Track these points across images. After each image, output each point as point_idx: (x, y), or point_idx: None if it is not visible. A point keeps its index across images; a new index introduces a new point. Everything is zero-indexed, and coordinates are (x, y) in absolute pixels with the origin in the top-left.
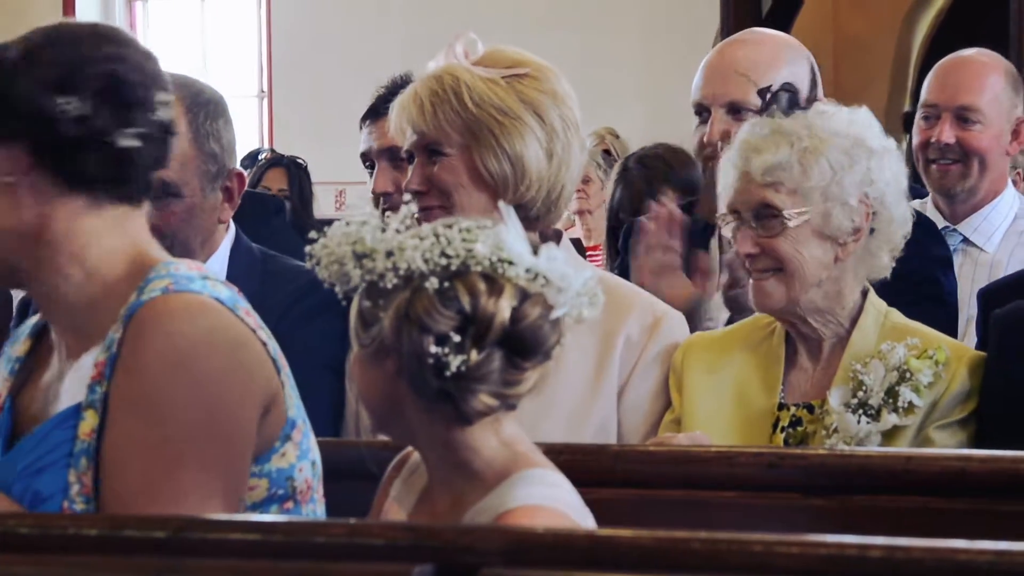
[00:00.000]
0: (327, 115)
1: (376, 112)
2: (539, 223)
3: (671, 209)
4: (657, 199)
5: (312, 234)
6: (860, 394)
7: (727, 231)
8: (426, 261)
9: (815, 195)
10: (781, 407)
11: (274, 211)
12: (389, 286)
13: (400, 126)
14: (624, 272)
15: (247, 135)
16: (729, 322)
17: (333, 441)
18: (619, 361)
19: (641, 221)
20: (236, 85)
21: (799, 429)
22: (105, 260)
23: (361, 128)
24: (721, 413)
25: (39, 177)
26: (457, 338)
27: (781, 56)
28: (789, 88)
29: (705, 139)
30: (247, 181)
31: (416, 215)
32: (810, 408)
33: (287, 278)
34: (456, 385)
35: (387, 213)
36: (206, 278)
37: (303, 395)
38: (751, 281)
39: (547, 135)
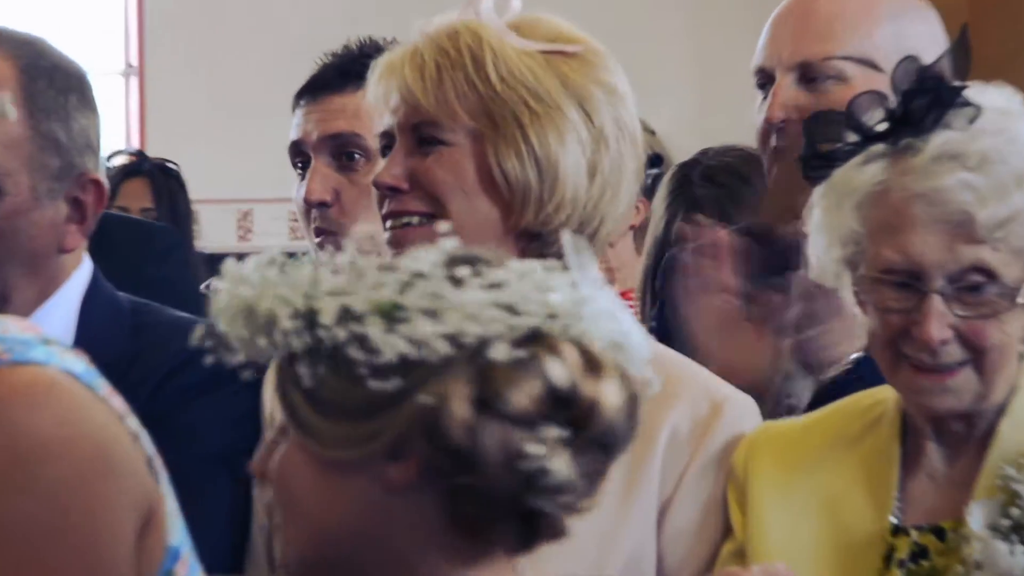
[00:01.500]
0: (225, 102)
1: (318, 86)
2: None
3: (717, 234)
4: (691, 220)
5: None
6: (1015, 511)
7: (885, 290)
8: (479, 319)
9: None
10: (897, 531)
11: (165, 248)
12: (417, 358)
13: (383, 94)
14: (662, 331)
15: (105, 130)
16: (814, 402)
17: None
18: (660, 467)
19: (676, 255)
20: (91, 58)
21: (924, 563)
22: None
23: (294, 109)
24: (805, 540)
25: None
26: (556, 431)
27: (884, 6)
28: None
29: (767, 117)
30: (105, 190)
31: (387, 232)
32: (940, 532)
33: (163, 338)
34: (543, 499)
35: (319, 235)
36: (48, 342)
37: (186, 503)
38: (924, 377)
39: (593, 140)
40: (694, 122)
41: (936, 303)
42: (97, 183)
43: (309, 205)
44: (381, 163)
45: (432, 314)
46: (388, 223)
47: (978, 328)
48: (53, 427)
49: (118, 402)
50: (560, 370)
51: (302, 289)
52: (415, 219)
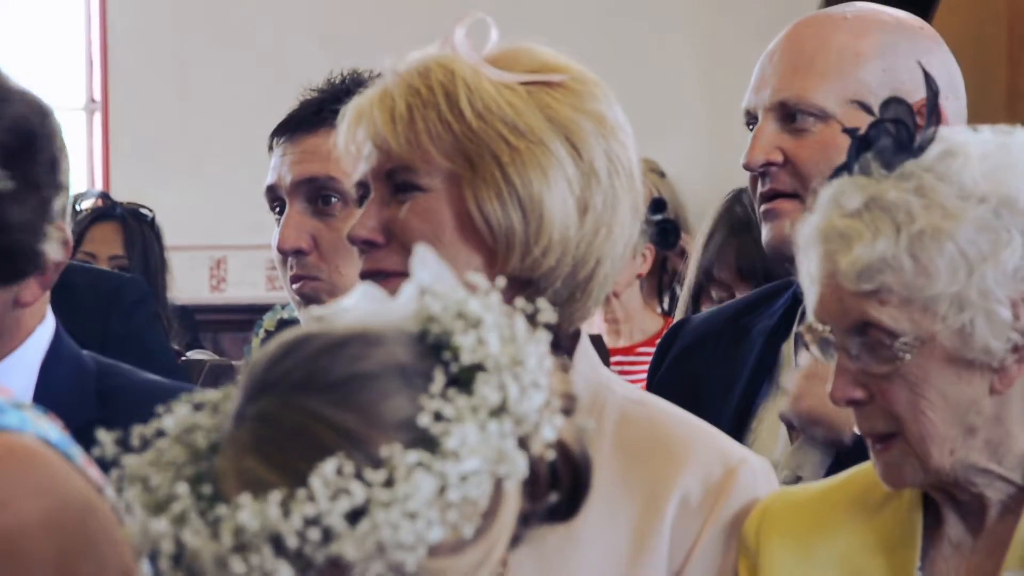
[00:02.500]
0: (196, 140)
1: (292, 127)
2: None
3: None
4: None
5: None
6: None
7: (814, 350)
8: None
9: (943, 305)
10: None
11: (132, 302)
12: None
13: (353, 141)
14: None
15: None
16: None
17: None
18: (669, 537)
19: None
20: (52, 92)
21: None
22: None
23: (271, 149)
24: None
25: None
26: None
27: (874, 40)
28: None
29: (746, 162)
30: (70, 246)
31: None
32: None
33: (131, 405)
34: None
35: (296, 282)
36: (20, 407)
37: None
38: (869, 447)
39: (582, 176)
40: (705, 164)
41: (841, 359)
42: (60, 230)
43: (283, 253)
44: (359, 211)
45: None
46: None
47: (884, 389)
48: (32, 499)
49: (95, 472)
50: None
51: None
52: (392, 276)
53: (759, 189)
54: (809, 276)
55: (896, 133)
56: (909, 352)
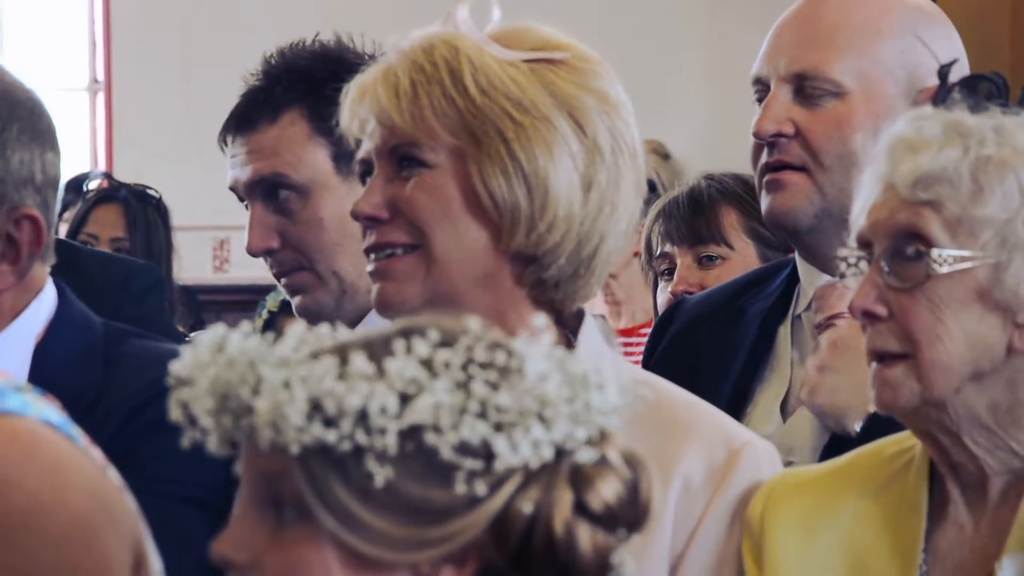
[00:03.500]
0: (199, 119)
1: (238, 123)
2: (558, 293)
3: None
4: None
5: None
6: None
7: (850, 278)
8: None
9: (987, 232)
10: None
11: (143, 289)
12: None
13: (357, 117)
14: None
15: (70, 151)
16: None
17: None
18: (672, 520)
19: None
20: (55, 72)
21: None
22: None
23: (222, 149)
24: None
25: None
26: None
27: (894, 20)
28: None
29: (755, 130)
30: (43, 227)
31: (370, 264)
32: None
33: (136, 367)
34: None
35: (280, 279)
36: (20, 389)
37: (158, 544)
38: (872, 367)
39: (586, 153)
40: (708, 144)
41: (871, 274)
42: (33, 219)
43: (254, 255)
44: (359, 190)
45: (543, 419)
46: (371, 256)
47: (906, 307)
48: (44, 478)
49: (97, 454)
50: (625, 466)
51: (393, 384)
52: (399, 250)
53: (763, 159)
54: (867, 183)
55: (991, 85)
56: (943, 265)
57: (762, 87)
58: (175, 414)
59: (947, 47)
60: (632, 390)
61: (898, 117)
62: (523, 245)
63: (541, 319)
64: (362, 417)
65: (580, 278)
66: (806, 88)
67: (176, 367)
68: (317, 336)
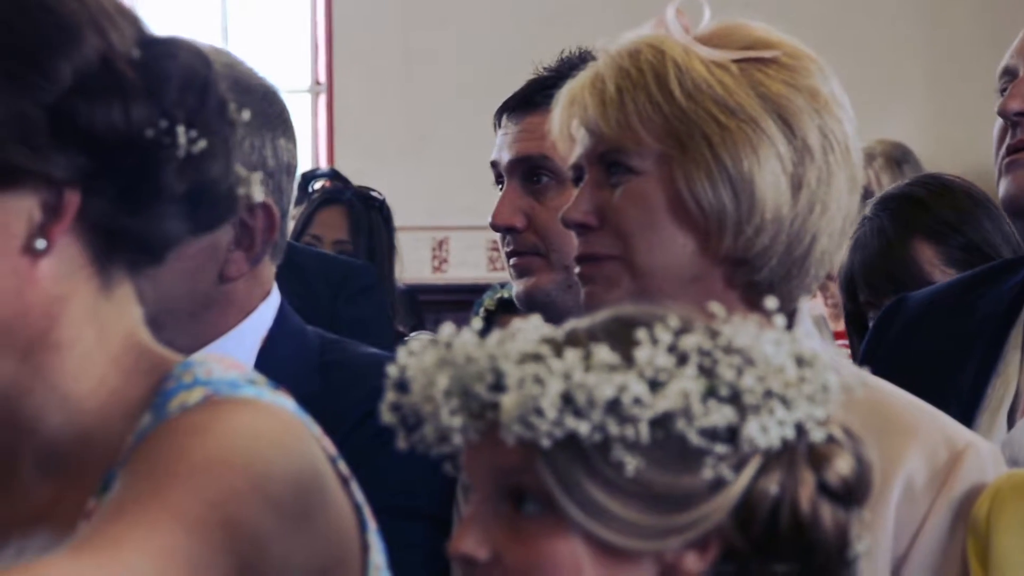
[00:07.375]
0: (420, 122)
1: (513, 105)
2: (772, 295)
3: None
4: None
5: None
6: None
7: None
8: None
9: None
10: None
11: (360, 288)
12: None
13: (567, 125)
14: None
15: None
16: None
17: None
18: (894, 521)
19: None
20: (279, 75)
21: None
22: (108, 368)
23: (496, 127)
24: None
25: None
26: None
27: None
28: None
29: (1002, 109)
30: (276, 214)
31: (577, 269)
32: None
33: (351, 375)
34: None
35: (511, 258)
36: (254, 382)
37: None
38: None
39: (795, 154)
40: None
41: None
42: (267, 208)
43: (496, 230)
44: (572, 191)
45: (786, 400)
46: (579, 267)
47: None
48: (275, 432)
49: (328, 444)
50: (850, 441)
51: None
52: (605, 261)
53: (1007, 140)
54: None
55: None
56: None
57: (1009, 78)
58: (387, 417)
59: None
60: (853, 383)
61: None
62: (732, 249)
63: (772, 301)
64: (614, 407)
65: (794, 279)
66: None
67: (395, 370)
68: (547, 330)
